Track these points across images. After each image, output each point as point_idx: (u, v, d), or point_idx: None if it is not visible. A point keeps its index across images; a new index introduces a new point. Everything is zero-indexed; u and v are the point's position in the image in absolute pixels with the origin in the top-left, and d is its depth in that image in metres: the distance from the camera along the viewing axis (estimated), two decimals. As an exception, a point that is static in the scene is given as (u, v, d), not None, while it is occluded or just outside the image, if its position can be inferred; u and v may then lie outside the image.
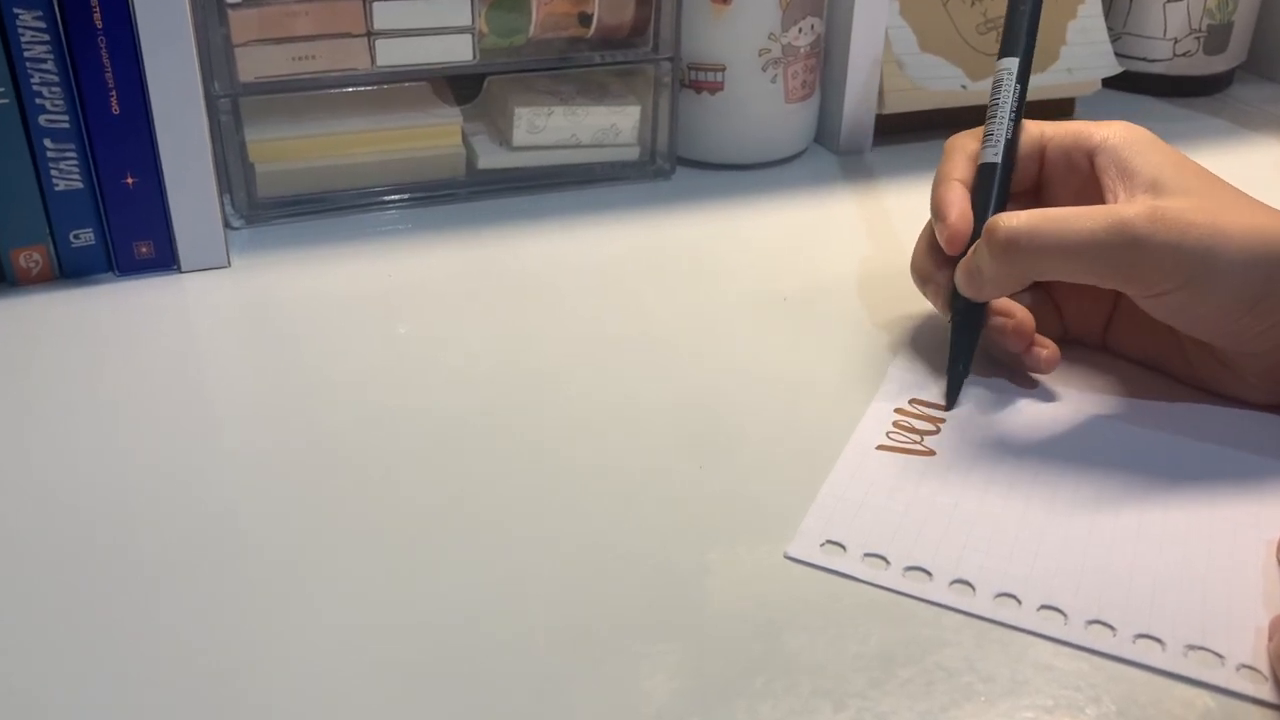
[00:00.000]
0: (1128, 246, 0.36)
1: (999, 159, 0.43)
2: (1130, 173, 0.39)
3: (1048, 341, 0.42)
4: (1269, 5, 0.75)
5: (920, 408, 0.41)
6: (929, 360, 0.44)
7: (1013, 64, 0.44)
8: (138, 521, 0.36)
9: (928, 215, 0.44)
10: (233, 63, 0.50)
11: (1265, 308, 0.37)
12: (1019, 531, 0.35)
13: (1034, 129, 0.43)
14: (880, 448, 0.39)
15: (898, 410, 0.41)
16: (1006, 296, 0.42)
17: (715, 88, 0.59)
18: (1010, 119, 0.43)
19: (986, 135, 0.43)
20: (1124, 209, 0.37)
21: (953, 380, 0.42)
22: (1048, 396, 0.42)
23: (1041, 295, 0.44)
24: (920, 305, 0.47)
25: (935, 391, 0.42)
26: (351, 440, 0.39)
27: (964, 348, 0.42)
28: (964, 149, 0.44)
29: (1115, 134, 0.40)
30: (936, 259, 0.43)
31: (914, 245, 0.45)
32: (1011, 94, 0.43)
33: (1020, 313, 0.42)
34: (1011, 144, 0.43)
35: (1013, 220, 0.38)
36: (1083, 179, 0.41)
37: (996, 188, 0.42)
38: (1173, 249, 0.36)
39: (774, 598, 0.33)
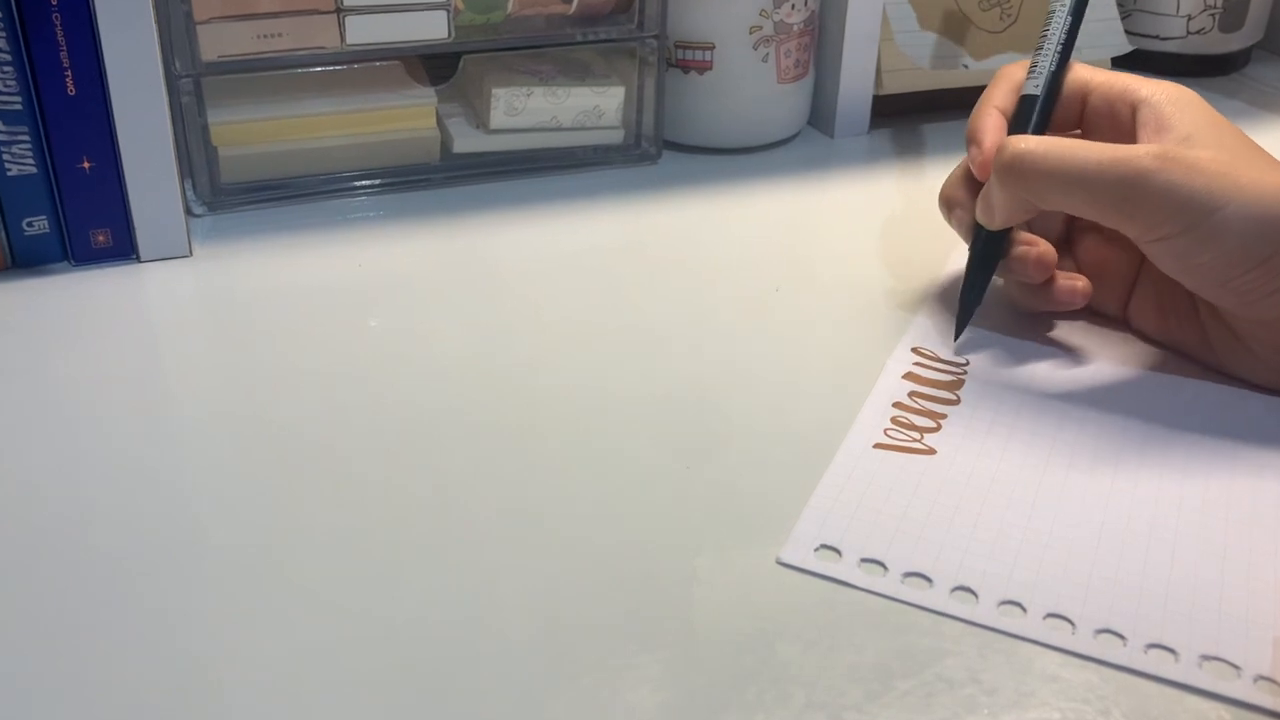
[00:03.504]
0: (1131, 181, 0.37)
1: (1040, 91, 0.43)
2: (1166, 127, 0.40)
3: (1077, 276, 0.44)
4: (1288, -19, 0.74)
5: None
6: (936, 346, 0.44)
7: None
8: (96, 521, 0.35)
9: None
10: (195, 41, 0.50)
11: (1273, 266, 0.37)
12: (1024, 535, 0.35)
13: (1082, 72, 0.44)
14: (878, 446, 0.39)
15: (896, 404, 0.41)
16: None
17: (704, 67, 0.59)
18: (1057, 52, 0.44)
19: (1032, 67, 0.44)
20: (1136, 147, 0.38)
21: (962, 310, 0.43)
22: (1053, 392, 0.42)
23: (1067, 262, 0.46)
24: (919, 296, 0.47)
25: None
26: (320, 438, 0.39)
27: (978, 279, 0.43)
28: (1010, 78, 0.45)
29: (1162, 91, 0.41)
30: (967, 187, 0.44)
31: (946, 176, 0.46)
32: (1062, 27, 0.44)
33: (1043, 244, 0.43)
34: (1056, 76, 0.44)
35: (1021, 142, 0.40)
36: (1124, 132, 0.42)
37: (1034, 120, 0.43)
38: (1175, 189, 0.37)
39: (766, 605, 0.33)
